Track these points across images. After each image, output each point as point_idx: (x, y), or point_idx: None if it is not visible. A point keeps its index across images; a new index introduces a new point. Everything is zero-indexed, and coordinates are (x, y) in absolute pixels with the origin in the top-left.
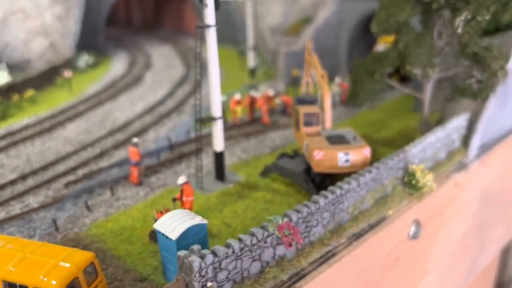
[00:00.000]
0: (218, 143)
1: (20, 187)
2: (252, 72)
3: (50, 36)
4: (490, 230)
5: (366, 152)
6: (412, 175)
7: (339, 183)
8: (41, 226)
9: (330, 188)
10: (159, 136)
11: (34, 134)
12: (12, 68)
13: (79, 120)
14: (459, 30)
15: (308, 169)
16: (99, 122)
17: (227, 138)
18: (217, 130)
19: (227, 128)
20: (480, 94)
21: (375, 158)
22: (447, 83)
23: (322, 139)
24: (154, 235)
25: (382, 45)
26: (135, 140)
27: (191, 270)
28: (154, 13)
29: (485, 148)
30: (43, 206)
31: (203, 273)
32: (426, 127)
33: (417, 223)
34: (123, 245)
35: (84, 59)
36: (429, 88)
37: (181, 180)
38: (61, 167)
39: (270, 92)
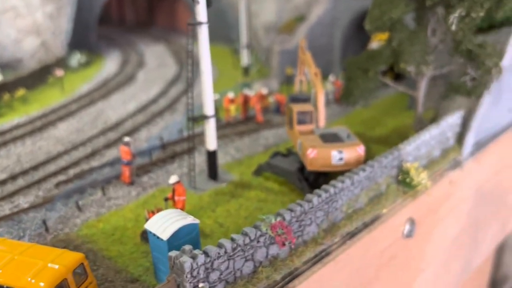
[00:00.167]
0: (211, 141)
1: (10, 187)
2: (246, 71)
3: (41, 35)
4: (484, 228)
5: (360, 150)
6: (406, 173)
7: (333, 182)
8: (31, 226)
9: (324, 186)
10: (152, 135)
11: (25, 134)
12: (3, 67)
13: (70, 120)
14: (453, 27)
15: (301, 167)
16: (91, 122)
17: (221, 136)
18: (210, 129)
19: (221, 126)
20: (474, 92)
21: (369, 156)
22: (441, 80)
23: (316, 137)
24: (145, 235)
25: (376, 42)
26: (126, 139)
27: (182, 270)
28: (147, 12)
29: (479, 146)
30: (33, 207)
31: (194, 273)
32: (420, 125)
33: (412, 222)
34: (115, 246)
35: (76, 58)
36: (423, 85)
37: (173, 179)
38: (51, 167)
39: (264, 91)
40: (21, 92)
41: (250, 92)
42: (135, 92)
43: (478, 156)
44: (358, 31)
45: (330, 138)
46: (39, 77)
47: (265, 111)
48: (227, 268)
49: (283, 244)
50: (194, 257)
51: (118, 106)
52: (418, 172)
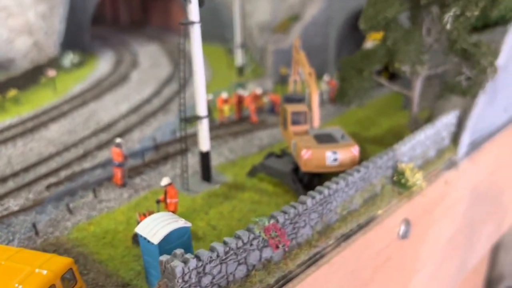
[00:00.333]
0: (204, 142)
1: (0, 189)
2: (240, 70)
3: (34, 35)
4: (480, 228)
5: (354, 151)
6: (401, 174)
7: (327, 183)
8: (20, 230)
9: (318, 188)
10: (145, 136)
11: (16, 135)
12: None
13: (62, 121)
14: (448, 26)
15: (296, 168)
16: (83, 122)
17: (214, 137)
18: (203, 130)
19: (215, 127)
20: (469, 91)
21: (364, 156)
22: (436, 80)
23: (310, 138)
24: (137, 238)
25: (371, 42)
26: (118, 140)
27: (173, 275)
28: (141, 11)
29: (475, 146)
30: (23, 209)
31: (186, 278)
32: (416, 124)
33: (407, 223)
34: (106, 249)
35: (69, 58)
36: (418, 85)
37: (165, 181)
38: (42, 169)
39: (258, 91)
40: (13, 92)
41: (244, 92)
42: (128, 93)
43: (474, 156)
44: (353, 31)
45: (324, 139)
46: (31, 77)
47: (260, 111)
48: (220, 272)
49: (277, 247)
50: (185, 262)
51: (110, 107)
52: (413, 173)
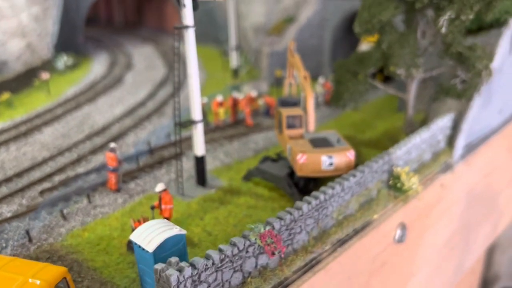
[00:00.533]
0: (199, 147)
1: None
2: (235, 73)
3: (27, 37)
4: (475, 230)
5: (350, 155)
6: (397, 178)
7: (322, 188)
8: (13, 237)
9: (314, 193)
10: (139, 140)
11: (9, 139)
12: None
13: (56, 124)
14: (443, 30)
15: (291, 173)
16: (77, 126)
17: (209, 141)
18: (198, 134)
19: (209, 130)
20: (464, 94)
21: (359, 160)
22: (431, 83)
23: (306, 142)
24: (132, 245)
25: (366, 44)
26: (112, 145)
27: (168, 284)
28: (135, 13)
29: (470, 148)
30: (17, 216)
31: (181, 287)
32: (411, 127)
33: (403, 227)
34: (100, 256)
35: (63, 60)
36: (413, 88)
37: (159, 187)
38: (36, 174)
39: (253, 93)
40: (5, 95)
41: (239, 95)
42: (122, 95)
43: (469, 158)
44: (348, 33)
45: (320, 143)
46: (24, 80)
47: (255, 114)
48: (215, 280)
49: (273, 254)
50: (180, 270)
51: (105, 110)
52: (409, 177)
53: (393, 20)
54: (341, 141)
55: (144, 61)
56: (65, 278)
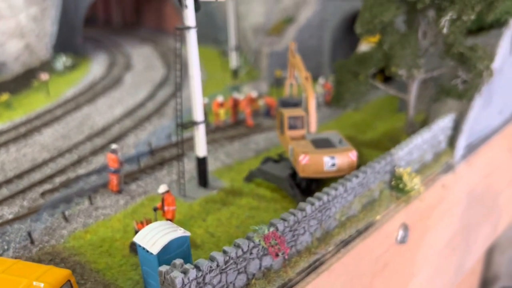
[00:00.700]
0: (201, 148)
1: None
2: (235, 73)
3: (25, 38)
4: (476, 230)
5: (352, 155)
6: (399, 178)
7: (325, 189)
8: (15, 239)
9: (317, 194)
10: (139, 141)
11: (9, 141)
12: None
13: (56, 125)
14: (445, 30)
15: (293, 174)
16: (77, 127)
17: (210, 141)
18: (200, 135)
19: (210, 131)
20: (465, 95)
21: (360, 160)
22: (431, 83)
23: (307, 143)
24: (135, 247)
25: (366, 45)
26: (113, 146)
27: (173, 286)
28: (134, 13)
29: (470, 149)
30: (18, 218)
31: None
32: (412, 128)
33: (405, 227)
34: (103, 258)
35: (62, 61)
36: (414, 89)
37: (162, 189)
38: (37, 175)
39: (254, 94)
40: (4, 96)
41: (239, 96)
42: (122, 96)
43: (470, 159)
44: (347, 33)
45: (322, 144)
46: (23, 81)
47: (255, 115)
48: (220, 281)
49: (277, 255)
50: (185, 272)
51: (104, 111)
52: (411, 177)
53: (394, 20)
54: (343, 141)
55: (143, 61)
56: (69, 280)
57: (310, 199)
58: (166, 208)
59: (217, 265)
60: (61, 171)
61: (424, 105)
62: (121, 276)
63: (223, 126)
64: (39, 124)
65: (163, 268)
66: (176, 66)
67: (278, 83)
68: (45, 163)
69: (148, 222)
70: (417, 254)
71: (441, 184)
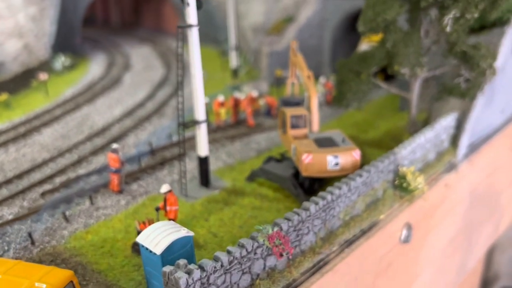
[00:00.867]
0: (203, 147)
1: None
2: (235, 73)
3: (24, 38)
4: (478, 230)
5: (355, 155)
6: (403, 177)
7: (329, 188)
8: (15, 239)
9: (321, 194)
10: (140, 141)
11: (8, 141)
12: None
13: (55, 125)
14: (448, 29)
15: (296, 173)
16: (77, 127)
17: (211, 141)
18: (201, 135)
19: (211, 131)
20: (468, 93)
21: (363, 160)
22: (433, 82)
23: (310, 142)
24: (137, 247)
25: (366, 44)
26: (114, 146)
27: (177, 287)
28: (133, 13)
29: (473, 148)
30: (18, 218)
31: None
32: (414, 127)
33: (409, 227)
34: (104, 259)
35: (61, 61)
36: (416, 87)
37: (164, 188)
38: (37, 176)
39: (254, 93)
40: (3, 97)
41: (240, 95)
42: (121, 96)
43: (472, 158)
44: (348, 32)
45: (325, 143)
46: (22, 81)
47: (256, 114)
48: (224, 282)
49: (281, 255)
50: (189, 272)
51: (104, 111)
52: (415, 177)
53: (397, 19)
54: (346, 140)
55: (142, 61)
56: (71, 281)
57: (314, 198)
58: (168, 208)
59: (222, 266)
60: (61, 171)
61: (425, 104)
62: (124, 277)
63: (224, 126)
64: (39, 124)
65: (167, 268)
66: (177, 64)
67: (278, 82)
68: (45, 163)
69: (151, 222)
70: (420, 253)
71: (444, 184)
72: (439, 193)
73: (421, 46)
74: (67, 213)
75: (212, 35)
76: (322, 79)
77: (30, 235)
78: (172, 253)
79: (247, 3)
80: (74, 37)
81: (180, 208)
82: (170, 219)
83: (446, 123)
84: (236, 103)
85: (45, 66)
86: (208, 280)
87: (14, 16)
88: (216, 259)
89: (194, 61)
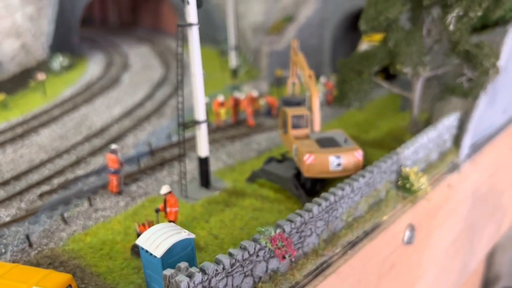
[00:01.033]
0: (203, 148)
1: None
2: (234, 73)
3: (21, 37)
4: (480, 230)
5: (358, 155)
6: (406, 178)
7: (332, 189)
8: (13, 242)
9: (324, 195)
10: (139, 141)
11: (5, 141)
12: None
13: (53, 126)
14: (451, 27)
15: (297, 174)
16: (75, 127)
17: (211, 141)
18: (202, 135)
19: (211, 131)
20: (471, 93)
21: (365, 160)
22: (434, 81)
23: (312, 142)
24: (136, 249)
25: (366, 43)
26: (113, 146)
27: None
28: (131, 13)
29: (475, 148)
30: (15, 220)
31: None
32: (416, 127)
33: (412, 228)
34: (103, 261)
35: (58, 61)
36: (418, 87)
37: (164, 190)
38: (34, 177)
39: (254, 93)
40: (0, 97)
41: (240, 95)
42: (120, 96)
43: (475, 158)
44: (348, 32)
45: (326, 143)
46: (19, 81)
47: (256, 114)
48: (226, 285)
49: (283, 258)
50: (190, 276)
51: (102, 111)
52: (418, 177)
53: (399, 17)
54: (348, 141)
55: (141, 61)
56: (70, 285)
57: (316, 199)
58: (168, 209)
59: (223, 268)
60: (59, 172)
61: (427, 103)
62: (123, 280)
63: (223, 126)
64: (36, 124)
65: (168, 271)
66: (177, 64)
67: (278, 82)
68: (42, 164)
69: (150, 224)
70: (423, 255)
71: (447, 184)
72: (442, 193)
73: (423, 45)
74: (66, 214)
75: (211, 34)
76: (322, 79)
77: (27, 237)
78: (172, 256)
79: (246, 3)
80: (72, 37)
81: (180, 209)
82: (170, 221)
83: (448, 122)
84: (236, 103)
85: (43, 66)
86: (209, 283)
87: (12, 16)
88: (217, 262)
89: (194, 60)
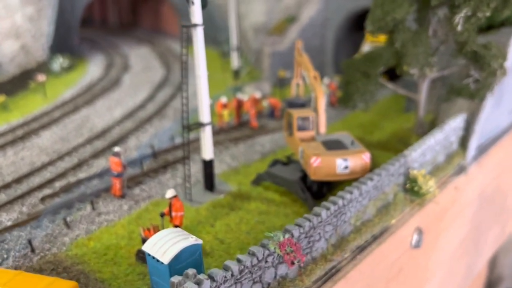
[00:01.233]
0: (208, 150)
1: None
2: (236, 74)
3: (21, 38)
4: (486, 232)
5: (365, 157)
6: (414, 181)
7: (340, 193)
8: (15, 247)
9: (332, 198)
10: (141, 143)
11: (6, 144)
12: None
13: (54, 128)
14: (459, 28)
15: (304, 177)
16: (76, 129)
17: (214, 143)
18: (206, 137)
19: (214, 133)
20: (477, 94)
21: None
22: (439, 82)
23: (318, 144)
24: (141, 255)
25: (369, 44)
26: (116, 149)
27: None
28: (131, 13)
29: (481, 149)
30: (17, 224)
31: None
32: (422, 128)
33: (419, 231)
34: (108, 267)
35: (59, 62)
36: (424, 88)
37: (170, 193)
38: (36, 180)
39: (257, 95)
40: (0, 98)
41: (243, 97)
42: (121, 97)
43: (481, 160)
44: (350, 32)
45: (333, 145)
46: (19, 82)
47: (259, 116)
48: None
49: (292, 263)
50: (199, 283)
51: (104, 113)
52: (426, 180)
53: (406, 18)
54: (355, 143)
55: (141, 62)
56: None
57: (325, 203)
58: (174, 214)
59: (232, 275)
60: (61, 175)
61: (432, 105)
62: (128, 286)
63: (227, 128)
64: (37, 126)
65: (175, 278)
66: (181, 65)
67: (281, 83)
68: (44, 166)
69: (156, 229)
70: (431, 258)
71: (454, 186)
72: (449, 196)
73: (430, 46)
74: (68, 219)
75: (212, 35)
76: (326, 80)
77: (30, 242)
78: (180, 262)
79: (248, 3)
80: (72, 37)
81: (185, 213)
82: (175, 226)
83: (455, 124)
84: (239, 104)
85: (43, 67)
86: None
87: (11, 17)
88: (226, 269)
89: (199, 61)
